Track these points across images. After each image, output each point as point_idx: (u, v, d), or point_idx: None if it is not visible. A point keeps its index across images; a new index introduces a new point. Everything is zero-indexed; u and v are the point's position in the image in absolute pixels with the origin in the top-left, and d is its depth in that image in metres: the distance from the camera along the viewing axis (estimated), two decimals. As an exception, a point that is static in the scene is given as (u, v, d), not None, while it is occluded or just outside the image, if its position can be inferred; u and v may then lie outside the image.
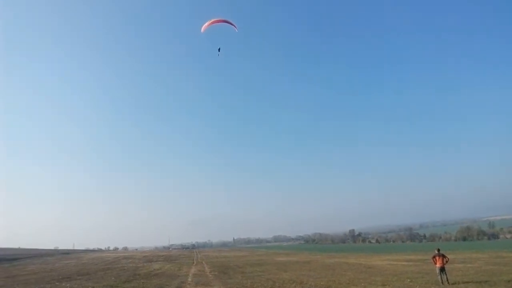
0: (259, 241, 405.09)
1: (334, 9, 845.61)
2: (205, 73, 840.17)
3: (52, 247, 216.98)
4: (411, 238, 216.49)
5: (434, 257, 23.29)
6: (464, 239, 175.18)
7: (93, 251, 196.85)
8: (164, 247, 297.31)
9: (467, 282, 22.80)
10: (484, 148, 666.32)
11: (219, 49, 39.95)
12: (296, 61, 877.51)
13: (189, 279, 30.04)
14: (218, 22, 39.07)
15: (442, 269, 22.53)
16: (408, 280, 25.44)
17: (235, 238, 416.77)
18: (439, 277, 22.62)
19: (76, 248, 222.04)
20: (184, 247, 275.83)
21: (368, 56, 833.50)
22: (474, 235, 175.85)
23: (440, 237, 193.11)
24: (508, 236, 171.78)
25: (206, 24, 38.41)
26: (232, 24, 39.50)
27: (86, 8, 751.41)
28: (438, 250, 23.53)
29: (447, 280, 22.28)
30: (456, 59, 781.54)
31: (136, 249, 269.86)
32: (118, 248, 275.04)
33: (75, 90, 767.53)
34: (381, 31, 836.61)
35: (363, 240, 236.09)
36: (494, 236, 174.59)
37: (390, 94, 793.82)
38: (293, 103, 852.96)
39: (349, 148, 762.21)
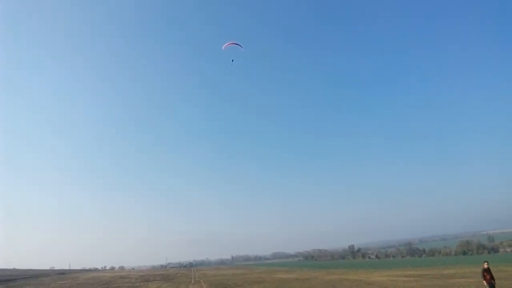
0: (257, 258, 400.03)
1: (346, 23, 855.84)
2: (210, 97, 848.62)
3: (48, 267, 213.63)
4: (410, 253, 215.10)
5: (484, 272, 21.55)
6: (464, 253, 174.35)
7: (89, 270, 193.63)
8: (161, 266, 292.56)
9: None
10: (483, 161, 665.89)
11: (232, 60, 52.87)
12: (306, 83, 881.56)
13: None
14: (232, 44, 52.57)
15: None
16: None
17: (233, 255, 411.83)
18: None
19: (72, 267, 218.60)
20: (181, 266, 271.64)
21: (377, 74, 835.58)
22: (474, 249, 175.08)
23: (440, 252, 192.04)
24: (508, 249, 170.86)
25: (225, 44, 52.20)
26: (239, 45, 52.43)
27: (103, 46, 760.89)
28: (487, 264, 21.82)
29: None
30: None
31: (133, 268, 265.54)
32: (114, 268, 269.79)
33: (75, 115, 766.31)
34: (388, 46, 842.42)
35: (363, 256, 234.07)
36: (494, 249, 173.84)
37: (390, 111, 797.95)
38: (294, 122, 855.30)
39: (348, 165, 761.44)
